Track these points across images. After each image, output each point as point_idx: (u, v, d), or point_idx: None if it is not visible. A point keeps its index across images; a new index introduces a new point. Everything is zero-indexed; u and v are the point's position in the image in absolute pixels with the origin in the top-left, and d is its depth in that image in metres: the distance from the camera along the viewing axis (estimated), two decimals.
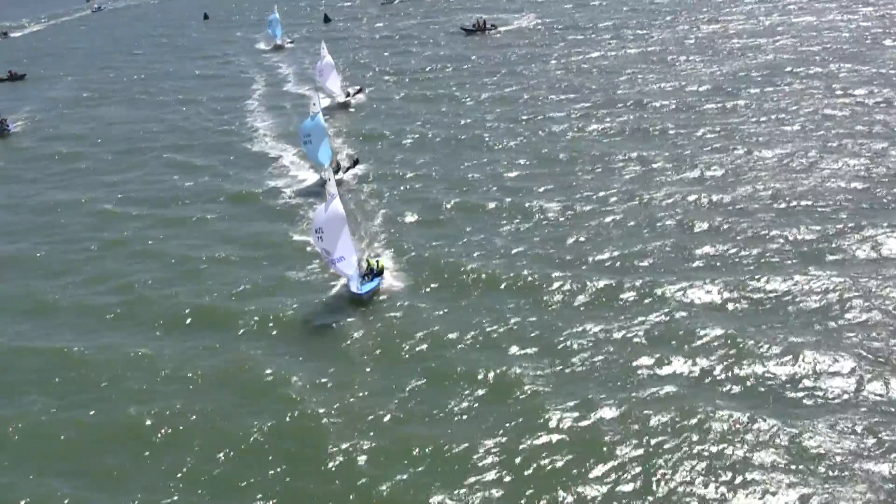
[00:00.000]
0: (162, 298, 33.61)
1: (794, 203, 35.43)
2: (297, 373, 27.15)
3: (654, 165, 41.95)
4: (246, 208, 43.60)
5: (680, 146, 44.54)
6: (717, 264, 30.99)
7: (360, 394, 25.67)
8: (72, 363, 29.19)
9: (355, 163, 48.13)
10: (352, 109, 60.59)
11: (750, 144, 43.17)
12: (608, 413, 23.20)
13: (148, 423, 25.25)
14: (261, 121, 60.44)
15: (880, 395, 22.63)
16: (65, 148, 58.51)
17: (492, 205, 39.31)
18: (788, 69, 56.17)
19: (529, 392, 24.50)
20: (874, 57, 56.60)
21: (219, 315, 31.74)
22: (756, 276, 29.52)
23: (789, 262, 30.50)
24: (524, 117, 53.20)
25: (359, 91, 63.41)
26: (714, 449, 21.44)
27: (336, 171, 46.32)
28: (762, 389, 23.60)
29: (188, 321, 31.57)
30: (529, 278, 31.38)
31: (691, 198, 37.08)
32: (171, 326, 31.29)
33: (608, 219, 35.93)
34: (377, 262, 33.17)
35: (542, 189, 40.54)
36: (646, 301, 28.88)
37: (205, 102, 67.84)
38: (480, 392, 24.93)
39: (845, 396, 22.79)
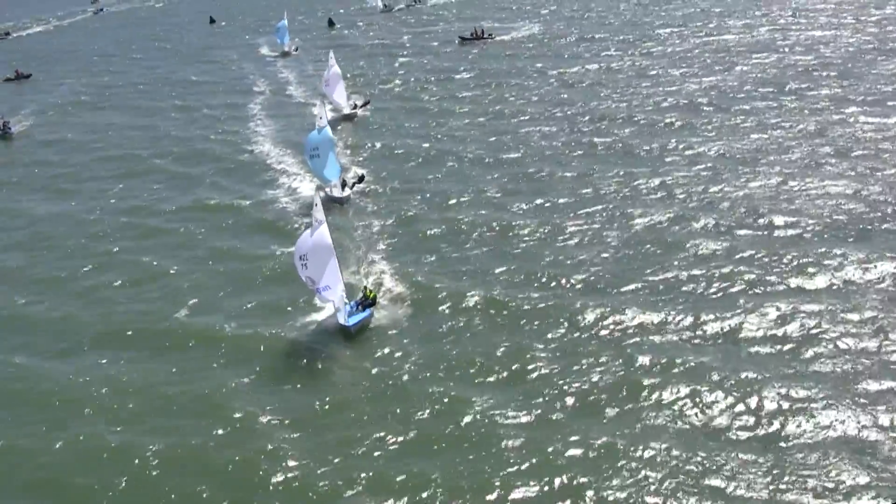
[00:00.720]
0: (138, 316, 32.55)
1: (775, 223, 35.01)
2: (271, 405, 26.08)
3: (649, 185, 40.83)
4: (239, 223, 41.86)
5: (672, 164, 43.60)
6: (694, 288, 30.37)
7: (343, 433, 24.37)
8: (37, 381, 28.75)
9: (361, 179, 46.79)
10: (357, 123, 59.05)
11: (738, 164, 42.64)
12: (602, 453, 22.29)
13: (113, 445, 24.67)
14: (263, 129, 59.38)
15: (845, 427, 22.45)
16: (62, 154, 57.98)
17: (497, 228, 37.92)
18: (777, 86, 55.11)
19: (517, 435, 23.36)
20: (866, 73, 56.20)
21: (198, 338, 30.36)
22: (736, 304, 28.93)
23: (765, 288, 29.92)
24: (522, 132, 52.28)
25: (366, 104, 62.01)
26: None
27: (342, 188, 45.05)
28: (737, 422, 23.22)
29: (166, 343, 30.48)
30: (531, 309, 30.06)
31: (678, 218, 36.56)
32: (145, 347, 30.40)
33: (632, 250, 34.29)
34: (370, 291, 31.77)
35: (551, 212, 39.32)
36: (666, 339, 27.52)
37: (205, 109, 66.54)
38: (467, 432, 23.82)
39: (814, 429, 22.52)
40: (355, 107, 60.92)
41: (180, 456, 23.93)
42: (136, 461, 23.79)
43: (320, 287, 30.02)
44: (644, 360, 26.19)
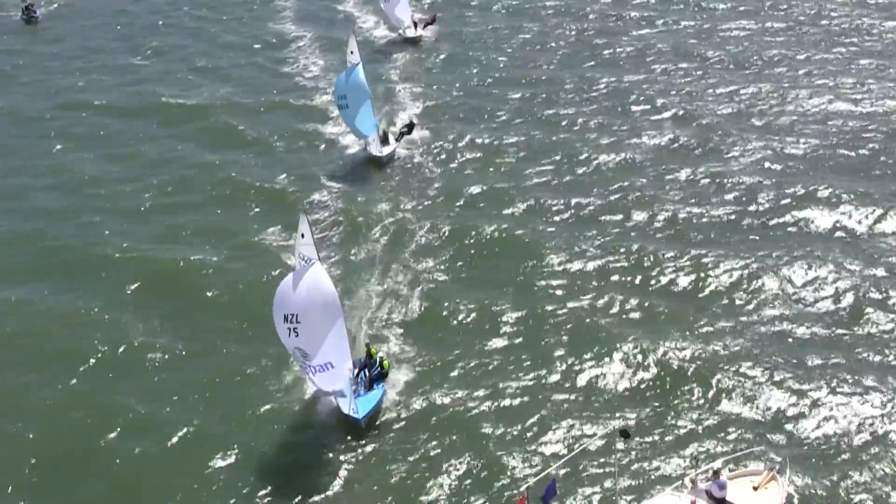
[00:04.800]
0: None
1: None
2: None
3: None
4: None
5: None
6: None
7: None
8: None
9: (410, 128, 35.98)
10: (418, 49, 47.29)
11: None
12: None
13: None
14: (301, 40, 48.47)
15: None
16: (85, 40, 50.68)
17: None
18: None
19: None
20: None
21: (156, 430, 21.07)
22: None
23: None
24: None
25: (431, 22, 49.89)
26: None
27: (383, 142, 34.43)
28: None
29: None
30: None
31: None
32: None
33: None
34: (383, 359, 21.44)
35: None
36: None
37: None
38: None
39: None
40: (417, 26, 48.75)
41: None
42: None
43: (314, 365, 19.61)
44: None
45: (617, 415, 20.47)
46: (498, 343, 23.32)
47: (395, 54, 46.39)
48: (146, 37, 50.45)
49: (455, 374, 22.12)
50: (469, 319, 24.21)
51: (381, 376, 21.12)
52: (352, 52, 33.58)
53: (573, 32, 48.06)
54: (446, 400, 21.15)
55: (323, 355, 19.30)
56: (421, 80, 42.61)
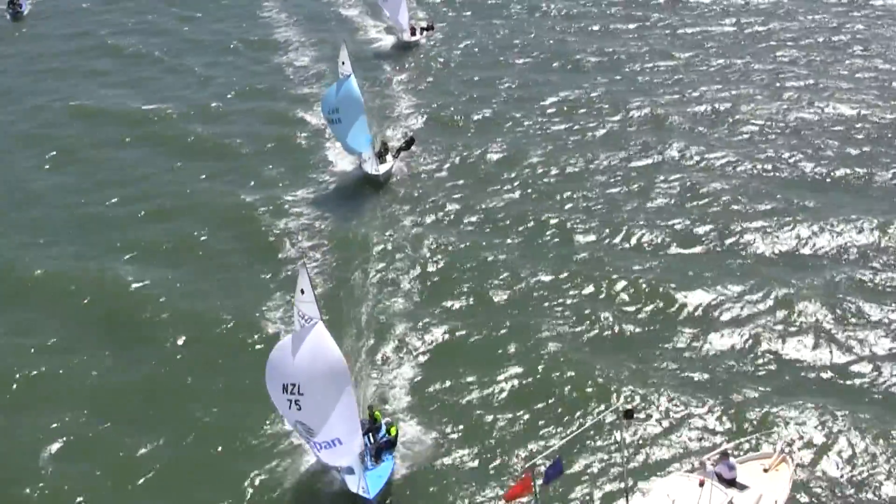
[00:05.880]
0: None
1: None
2: None
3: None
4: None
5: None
6: None
7: None
8: None
9: (409, 143, 33.01)
10: (415, 55, 44.24)
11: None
12: None
13: None
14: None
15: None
16: (70, 41, 47.95)
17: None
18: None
19: None
20: None
21: None
22: None
23: None
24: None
25: (428, 28, 47.00)
26: None
27: (381, 156, 31.45)
28: None
29: None
30: None
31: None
32: None
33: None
34: (387, 423, 18.54)
35: None
36: None
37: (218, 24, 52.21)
38: None
39: None
40: (414, 32, 45.95)
41: None
42: None
43: (320, 442, 16.57)
44: None
45: (622, 396, 19.96)
46: (513, 405, 20.27)
47: (389, 61, 43.38)
48: (128, 37, 48.03)
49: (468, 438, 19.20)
50: (484, 388, 20.90)
51: (390, 444, 18.06)
52: (343, 63, 30.47)
53: (576, 41, 44.98)
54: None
55: (329, 430, 16.17)
56: (419, 90, 39.56)
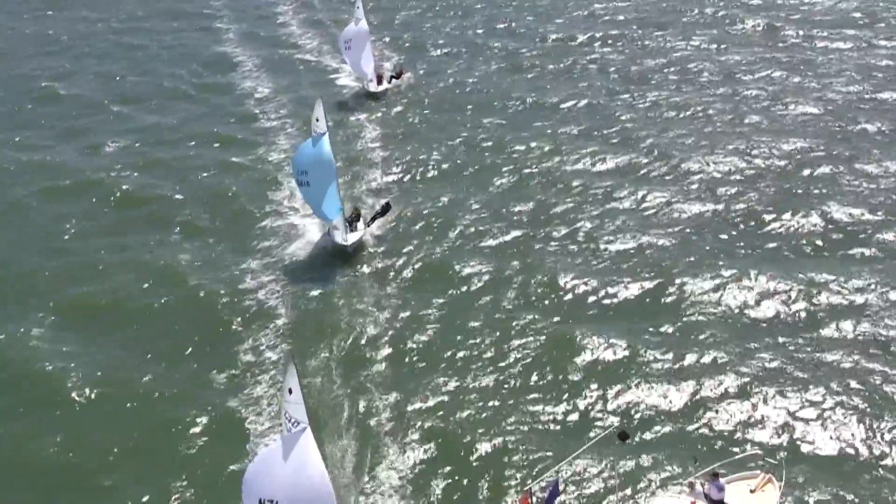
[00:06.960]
0: None
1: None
2: None
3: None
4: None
5: None
6: None
7: None
8: None
9: (385, 209, 30.30)
10: (386, 106, 41.71)
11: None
12: None
13: None
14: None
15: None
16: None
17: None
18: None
19: None
20: None
21: None
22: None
23: None
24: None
25: (397, 76, 44.35)
26: None
27: (352, 223, 28.48)
28: None
29: None
30: None
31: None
32: None
33: None
34: None
35: None
36: None
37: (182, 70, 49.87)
38: None
39: None
40: (381, 80, 43.25)
41: None
42: None
43: None
44: None
45: (616, 418, 20.49)
46: (507, 429, 19.06)
47: (359, 111, 40.69)
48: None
49: None
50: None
51: None
52: (317, 120, 27.98)
53: (551, 88, 42.95)
54: None
55: None
56: (390, 145, 37.10)
